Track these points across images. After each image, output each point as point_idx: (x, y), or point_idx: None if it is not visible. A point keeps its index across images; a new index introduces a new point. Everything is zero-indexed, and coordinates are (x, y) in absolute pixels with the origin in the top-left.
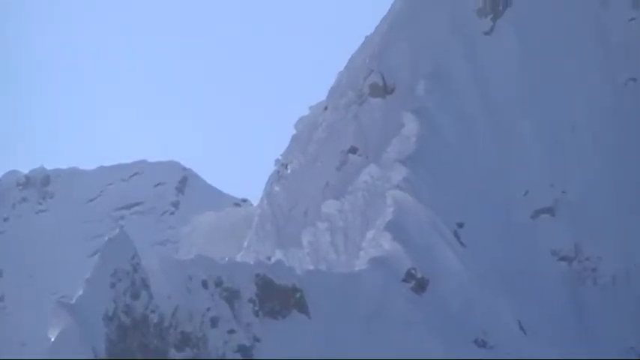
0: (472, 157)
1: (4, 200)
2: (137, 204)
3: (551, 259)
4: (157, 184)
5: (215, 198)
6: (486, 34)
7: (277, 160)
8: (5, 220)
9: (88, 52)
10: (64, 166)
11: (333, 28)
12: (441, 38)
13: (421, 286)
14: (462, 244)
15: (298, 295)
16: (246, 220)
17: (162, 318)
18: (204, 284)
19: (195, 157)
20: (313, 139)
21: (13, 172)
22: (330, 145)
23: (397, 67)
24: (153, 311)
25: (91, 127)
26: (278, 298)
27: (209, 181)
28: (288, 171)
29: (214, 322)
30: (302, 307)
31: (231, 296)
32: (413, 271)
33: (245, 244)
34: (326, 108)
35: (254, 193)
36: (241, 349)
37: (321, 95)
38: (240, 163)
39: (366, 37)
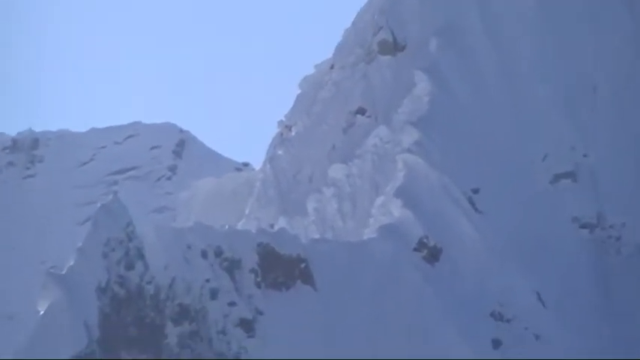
0: (487, 119)
1: None
2: (132, 168)
3: (572, 227)
4: (153, 147)
5: (214, 162)
6: None
7: (280, 122)
8: None
9: (79, 6)
10: (53, 129)
11: None
12: None
13: (433, 255)
14: (477, 210)
15: (303, 265)
16: (248, 185)
17: (158, 290)
18: (203, 254)
19: (193, 118)
20: (319, 100)
21: None
22: (337, 105)
23: (408, 23)
24: (149, 282)
25: (82, 87)
26: (281, 268)
27: (208, 144)
28: (292, 133)
29: (214, 293)
30: (307, 278)
31: (232, 266)
32: (425, 240)
33: (246, 211)
34: (332, 66)
35: (256, 157)
36: (243, 322)
37: (327, 53)
38: (241, 125)
39: None
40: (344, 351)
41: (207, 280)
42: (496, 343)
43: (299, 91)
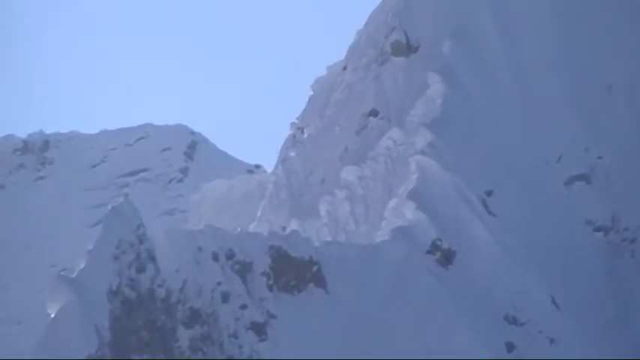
0: (501, 121)
1: (0, 167)
2: (143, 170)
3: (586, 230)
4: (164, 150)
5: (226, 164)
6: None
7: (293, 124)
8: (2, 187)
9: (91, 8)
10: (64, 131)
11: None
12: None
13: (447, 258)
14: (490, 213)
15: (315, 268)
16: (260, 187)
17: (169, 293)
18: (215, 256)
19: (204, 120)
20: (331, 102)
21: (10, 137)
22: (350, 107)
23: (421, 24)
24: (160, 286)
25: (92, 89)
26: (293, 271)
27: (220, 146)
28: (305, 135)
29: (225, 297)
30: (319, 281)
31: (244, 269)
32: (438, 243)
33: (258, 213)
34: (345, 68)
35: (268, 159)
36: (254, 325)
37: (339, 54)
38: (253, 127)
39: None
40: (356, 354)
41: (219, 283)
42: (510, 347)
43: (311, 93)
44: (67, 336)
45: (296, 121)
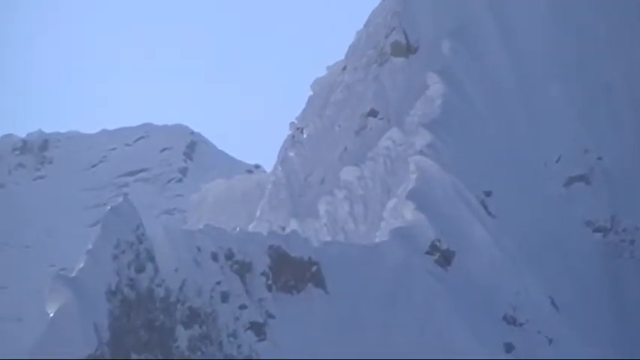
0: (500, 121)
1: None
2: (142, 170)
3: (585, 231)
4: (164, 149)
5: (225, 164)
6: None
7: (292, 124)
8: (1, 187)
9: (91, 7)
10: (63, 130)
11: None
12: None
13: (446, 258)
14: (489, 214)
15: (314, 268)
16: (259, 187)
17: (168, 292)
18: (214, 256)
19: (204, 120)
20: (331, 102)
21: (9, 136)
22: (349, 107)
23: (420, 24)
24: (159, 285)
25: (92, 88)
26: (293, 271)
27: (219, 146)
28: (304, 135)
29: (224, 297)
30: (318, 282)
31: (243, 269)
32: (437, 243)
33: (258, 213)
34: (344, 68)
35: (267, 159)
36: (253, 325)
37: (339, 54)
38: (253, 127)
39: None
40: (355, 354)
41: (218, 283)
42: (509, 347)
43: (311, 93)
44: (65, 335)
45: (295, 122)
